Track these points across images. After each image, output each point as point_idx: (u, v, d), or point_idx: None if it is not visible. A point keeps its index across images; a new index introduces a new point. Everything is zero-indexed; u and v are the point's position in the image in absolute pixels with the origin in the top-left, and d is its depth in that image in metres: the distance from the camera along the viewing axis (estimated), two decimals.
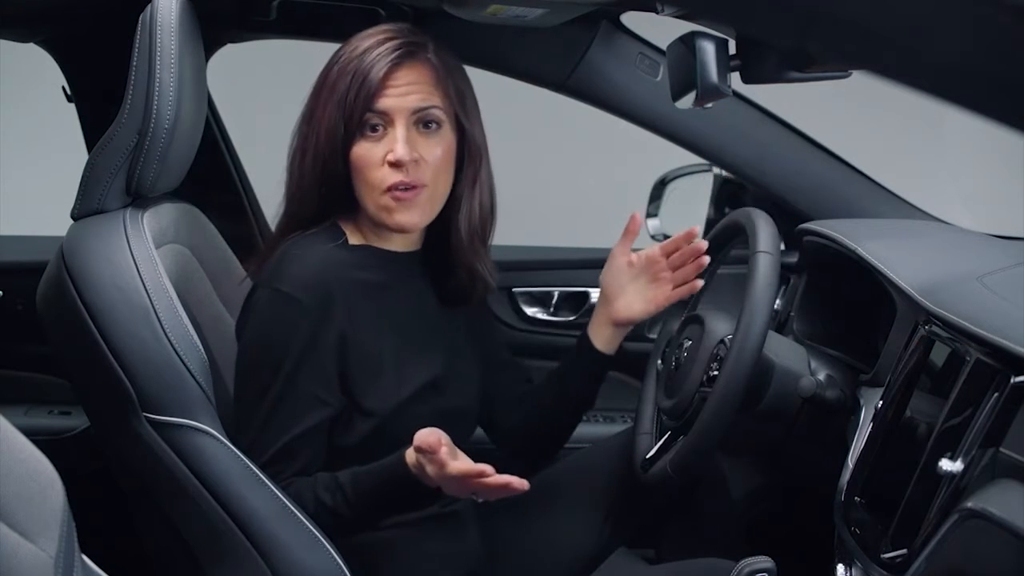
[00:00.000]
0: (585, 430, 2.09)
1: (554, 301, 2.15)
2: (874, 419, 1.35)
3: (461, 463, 1.28)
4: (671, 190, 2.04)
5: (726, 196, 2.02)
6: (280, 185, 1.49)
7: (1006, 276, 1.41)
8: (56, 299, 1.41)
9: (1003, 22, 0.50)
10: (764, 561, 1.35)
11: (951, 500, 1.14)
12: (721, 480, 1.69)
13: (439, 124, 1.44)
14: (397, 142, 1.41)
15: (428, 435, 1.28)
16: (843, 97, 2.31)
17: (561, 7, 1.61)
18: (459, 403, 1.53)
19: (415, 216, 1.44)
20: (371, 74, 1.40)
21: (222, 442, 1.38)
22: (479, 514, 1.60)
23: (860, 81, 1.01)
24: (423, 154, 1.42)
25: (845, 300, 1.65)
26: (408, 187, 1.42)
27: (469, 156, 1.49)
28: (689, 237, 1.55)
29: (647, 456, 1.53)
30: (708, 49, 1.40)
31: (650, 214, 2.04)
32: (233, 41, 1.94)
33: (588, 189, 3.18)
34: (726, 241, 1.59)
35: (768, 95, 1.74)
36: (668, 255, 1.57)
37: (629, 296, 1.59)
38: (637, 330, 1.64)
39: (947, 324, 1.26)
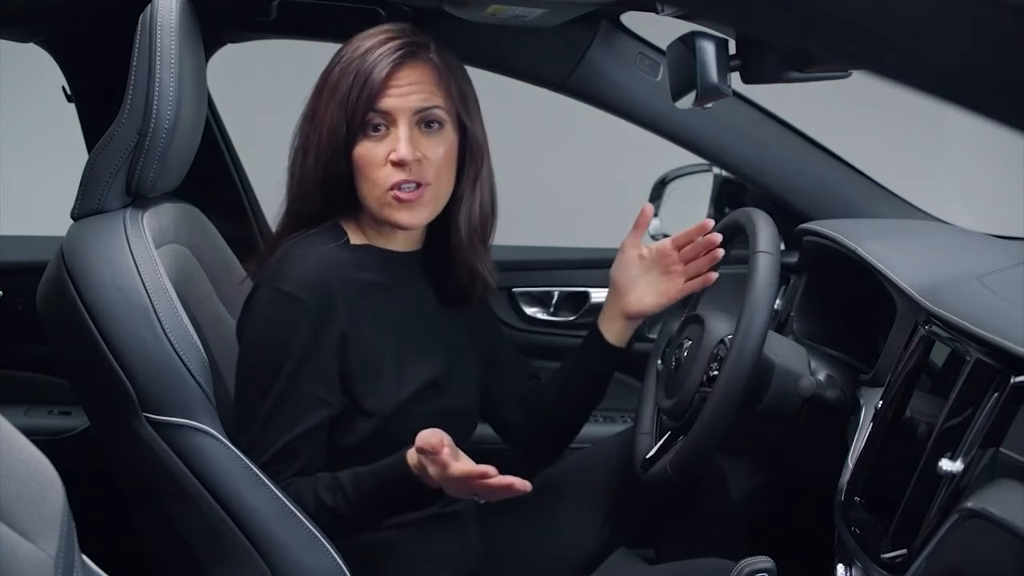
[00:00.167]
0: (585, 430, 2.09)
1: (554, 301, 2.15)
2: (874, 419, 1.35)
3: (463, 464, 1.28)
4: (671, 190, 2.04)
5: (726, 196, 2.02)
6: (280, 185, 1.49)
7: (1006, 276, 1.41)
8: (56, 299, 1.41)
9: (1003, 22, 0.50)
10: (764, 561, 1.35)
11: (951, 500, 1.14)
12: (721, 480, 1.69)
13: (441, 124, 1.44)
14: (400, 141, 1.41)
15: (430, 436, 1.28)
16: (843, 97, 2.31)
17: (561, 7, 1.61)
18: (459, 403, 1.53)
19: (418, 215, 1.44)
20: (373, 74, 1.40)
21: (222, 442, 1.38)
22: (479, 514, 1.60)
23: (860, 81, 1.01)
24: (426, 153, 1.42)
25: (845, 300, 1.65)
26: (411, 186, 1.42)
27: (471, 155, 1.49)
28: (702, 230, 1.54)
29: (647, 456, 1.53)
30: (708, 49, 1.40)
31: None
32: (233, 41, 1.94)
33: (588, 189, 3.18)
34: (726, 241, 1.59)
35: (768, 95, 1.74)
36: (680, 248, 1.56)
37: (641, 289, 1.58)
38: (637, 330, 1.64)
39: (947, 324, 1.26)
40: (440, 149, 1.44)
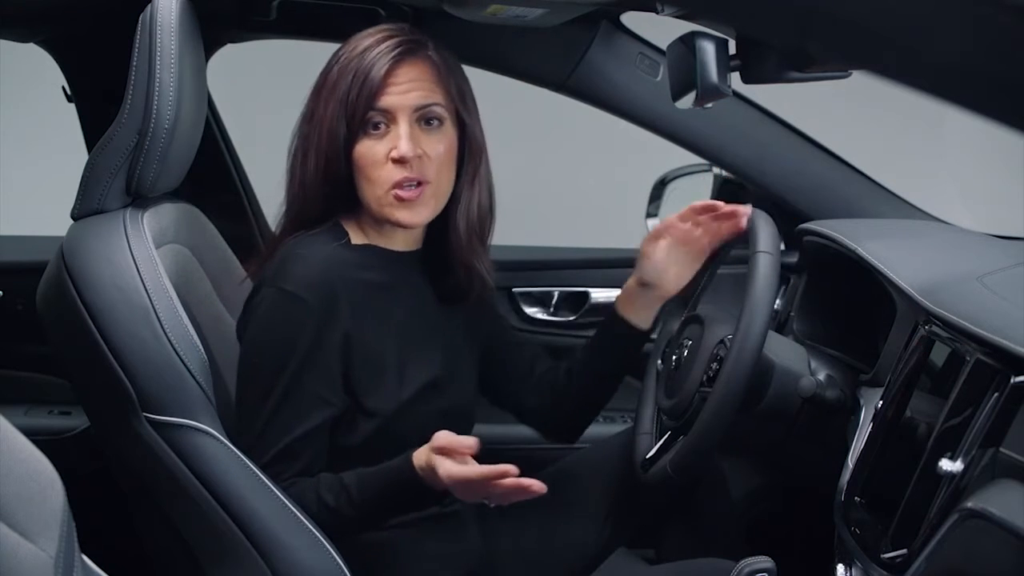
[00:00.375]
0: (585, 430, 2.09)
1: (554, 301, 2.15)
2: (874, 419, 1.35)
3: (485, 467, 1.29)
4: (671, 190, 2.04)
5: (726, 196, 2.02)
6: (280, 185, 1.49)
7: (1006, 276, 1.41)
8: (56, 299, 1.42)
9: (1003, 22, 0.50)
10: (764, 561, 1.35)
11: (951, 500, 1.14)
12: (721, 480, 1.69)
13: (441, 121, 1.44)
14: (401, 139, 1.41)
15: (449, 436, 1.29)
16: (843, 97, 2.31)
17: (561, 7, 1.61)
18: (458, 401, 1.53)
19: (419, 214, 1.44)
20: (372, 72, 1.40)
21: (222, 442, 1.38)
22: (479, 514, 1.60)
23: (860, 81, 1.01)
24: (427, 150, 1.42)
25: (845, 300, 1.65)
26: (412, 184, 1.42)
27: (470, 153, 1.49)
28: (714, 207, 1.55)
29: (647, 456, 1.53)
30: (708, 49, 1.40)
31: (650, 214, 2.04)
32: (233, 41, 1.94)
33: (588, 189, 3.18)
34: (726, 241, 1.59)
35: (768, 95, 1.74)
36: (688, 220, 1.57)
37: (672, 271, 1.58)
38: None
39: (947, 324, 1.26)
40: (440, 146, 1.44)
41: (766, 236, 1.44)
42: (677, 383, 1.51)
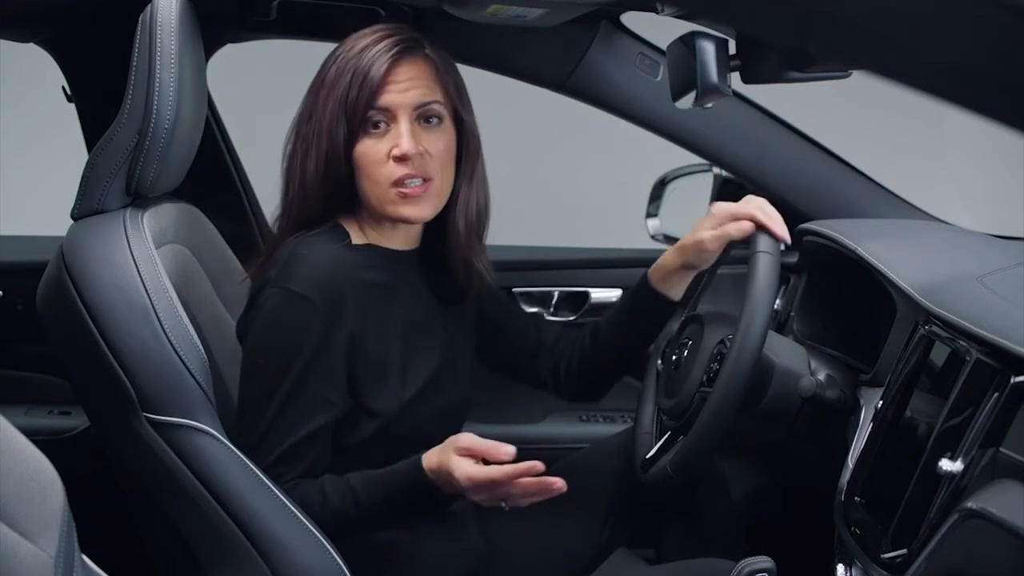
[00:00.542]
0: (585, 430, 2.10)
1: (554, 301, 2.14)
2: (874, 419, 1.35)
3: (509, 466, 1.31)
4: (671, 190, 2.04)
5: (726, 196, 2.01)
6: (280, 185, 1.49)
7: (1006, 276, 1.41)
8: (56, 299, 1.41)
9: (1003, 22, 0.50)
10: (764, 561, 1.35)
11: (951, 500, 1.14)
12: (721, 480, 1.69)
13: (440, 119, 1.45)
14: (402, 136, 1.41)
15: (475, 438, 1.32)
16: (843, 97, 2.31)
17: (561, 7, 1.61)
18: (455, 398, 1.54)
19: (423, 209, 1.44)
20: (372, 71, 1.40)
21: (222, 442, 1.38)
22: (479, 514, 1.60)
23: (860, 81, 1.01)
24: (428, 148, 1.43)
25: (845, 300, 1.65)
26: (416, 181, 1.42)
27: (468, 151, 1.49)
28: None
29: (647, 456, 1.53)
30: (708, 49, 1.39)
31: (650, 214, 2.04)
32: (233, 41, 1.94)
33: (588, 189, 3.18)
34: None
35: (768, 95, 1.74)
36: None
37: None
38: None
39: (947, 324, 1.26)
40: (440, 144, 1.44)
41: (766, 236, 1.44)
42: (677, 383, 1.51)
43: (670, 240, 1.71)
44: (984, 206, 2.85)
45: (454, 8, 1.61)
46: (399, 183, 1.42)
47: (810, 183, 1.92)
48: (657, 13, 1.53)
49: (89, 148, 1.86)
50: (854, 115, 2.92)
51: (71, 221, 1.48)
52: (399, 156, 1.41)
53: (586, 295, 2.13)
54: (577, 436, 1.97)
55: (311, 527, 1.38)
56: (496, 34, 1.80)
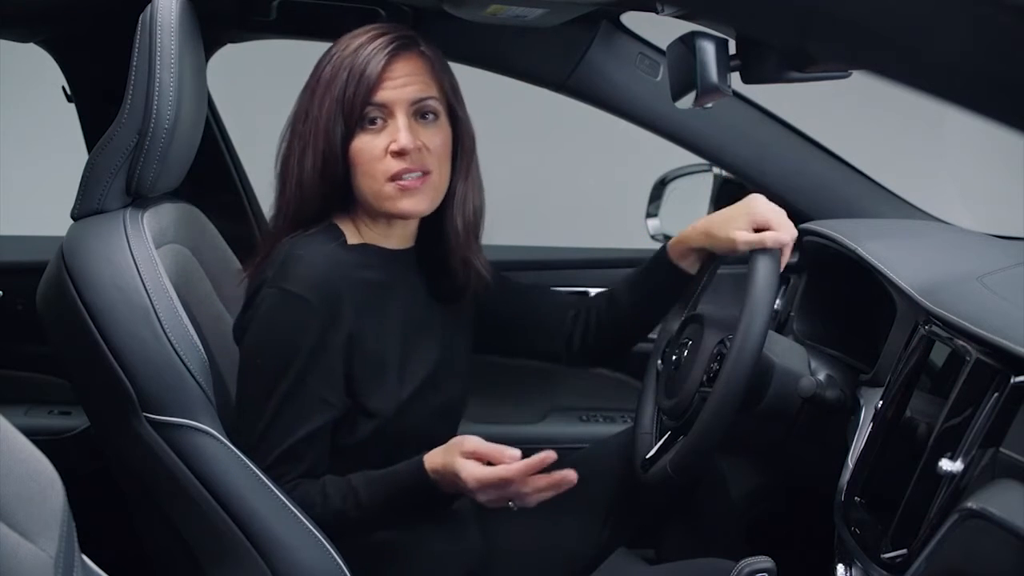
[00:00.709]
0: (585, 430, 2.10)
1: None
2: (874, 419, 1.35)
3: (520, 463, 1.32)
4: (671, 190, 2.04)
5: (726, 196, 2.02)
6: None
7: (1006, 276, 1.41)
8: (56, 299, 1.41)
9: (1003, 22, 0.50)
10: (764, 561, 1.35)
11: (951, 500, 1.14)
12: (721, 480, 1.69)
13: (436, 115, 1.45)
14: (400, 131, 1.41)
15: (481, 441, 1.33)
16: (843, 97, 2.31)
17: (561, 7, 1.61)
18: (452, 395, 1.54)
19: (421, 202, 1.44)
20: (368, 68, 1.41)
21: (222, 442, 1.38)
22: (479, 514, 1.60)
23: (860, 81, 1.01)
24: (425, 143, 1.43)
25: (845, 300, 1.65)
26: (415, 175, 1.42)
27: (463, 148, 1.49)
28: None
29: (647, 456, 1.53)
30: (708, 49, 1.39)
31: (650, 214, 2.04)
32: (233, 41, 1.94)
33: (588, 189, 3.18)
34: None
35: (768, 95, 1.74)
36: None
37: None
38: None
39: (947, 324, 1.26)
40: (437, 139, 1.44)
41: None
42: (677, 383, 1.51)
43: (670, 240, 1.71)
44: (984, 206, 2.85)
45: (454, 8, 1.61)
46: (397, 177, 1.42)
47: (810, 183, 1.92)
48: (657, 13, 1.53)
49: (89, 148, 1.85)
50: (854, 115, 2.92)
51: (71, 221, 1.48)
52: (397, 151, 1.41)
53: (586, 295, 2.13)
54: (577, 436, 1.97)
55: (311, 527, 1.38)
56: (496, 34, 1.80)
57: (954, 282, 1.37)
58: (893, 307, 1.43)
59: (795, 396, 1.45)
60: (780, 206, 1.50)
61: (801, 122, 1.95)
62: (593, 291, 2.11)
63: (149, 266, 1.39)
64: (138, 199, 1.50)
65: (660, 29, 1.67)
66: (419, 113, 1.44)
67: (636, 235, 2.08)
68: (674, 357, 1.54)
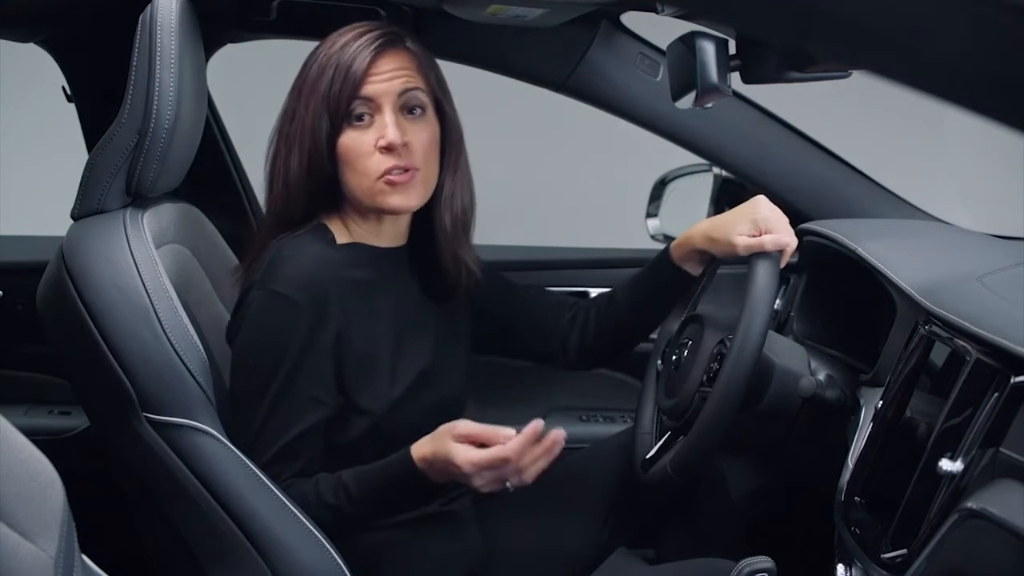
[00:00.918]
0: (585, 430, 2.09)
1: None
2: (874, 419, 1.35)
3: (515, 440, 1.31)
4: (671, 190, 2.04)
5: (726, 196, 2.02)
6: None
7: (1006, 276, 1.41)
8: (56, 299, 1.42)
9: (1003, 22, 0.50)
10: (764, 561, 1.35)
11: (951, 500, 1.14)
12: (721, 480, 1.69)
13: (423, 109, 1.45)
14: (387, 126, 1.41)
15: (473, 424, 1.32)
16: (843, 97, 2.31)
17: (561, 7, 1.61)
18: (447, 394, 1.54)
19: (410, 198, 1.44)
20: (355, 64, 1.41)
21: (222, 442, 1.38)
22: (479, 514, 1.60)
23: (860, 81, 1.01)
24: (412, 138, 1.43)
25: (845, 300, 1.65)
26: (403, 170, 1.42)
27: (451, 143, 1.49)
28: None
29: (647, 456, 1.53)
30: (708, 49, 1.39)
31: (650, 214, 2.04)
32: (233, 41, 1.94)
33: (588, 189, 3.18)
34: None
35: (768, 95, 1.74)
36: None
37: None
38: None
39: (947, 324, 1.26)
40: (424, 134, 1.44)
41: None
42: (677, 383, 1.51)
43: (670, 240, 1.71)
44: (984, 206, 2.85)
45: (454, 8, 1.61)
46: (386, 173, 1.42)
47: (810, 183, 1.92)
48: (657, 13, 1.53)
49: (89, 148, 1.85)
50: (854, 115, 2.92)
51: (71, 221, 1.48)
52: (385, 146, 1.41)
53: (586, 295, 2.13)
54: (577, 436, 1.97)
55: (311, 527, 1.38)
56: (496, 34, 1.80)
57: (954, 282, 1.37)
58: (893, 307, 1.43)
59: (795, 396, 1.45)
60: (780, 206, 1.50)
61: (801, 122, 1.95)
62: (593, 291, 2.11)
63: (149, 266, 1.39)
64: (138, 199, 1.50)
65: (660, 29, 1.67)
66: (406, 107, 1.44)
67: (636, 235, 2.08)
68: (674, 357, 1.54)
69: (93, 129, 1.90)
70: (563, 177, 3.19)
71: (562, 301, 1.70)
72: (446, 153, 1.49)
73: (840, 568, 1.34)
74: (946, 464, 1.15)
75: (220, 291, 1.60)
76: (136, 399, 1.36)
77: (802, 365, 1.49)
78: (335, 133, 1.42)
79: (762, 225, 1.45)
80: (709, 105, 1.43)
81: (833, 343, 1.62)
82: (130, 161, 1.44)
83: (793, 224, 1.73)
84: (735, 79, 1.44)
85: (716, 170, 2.01)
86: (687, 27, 1.45)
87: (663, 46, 1.57)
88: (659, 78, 1.85)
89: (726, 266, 1.58)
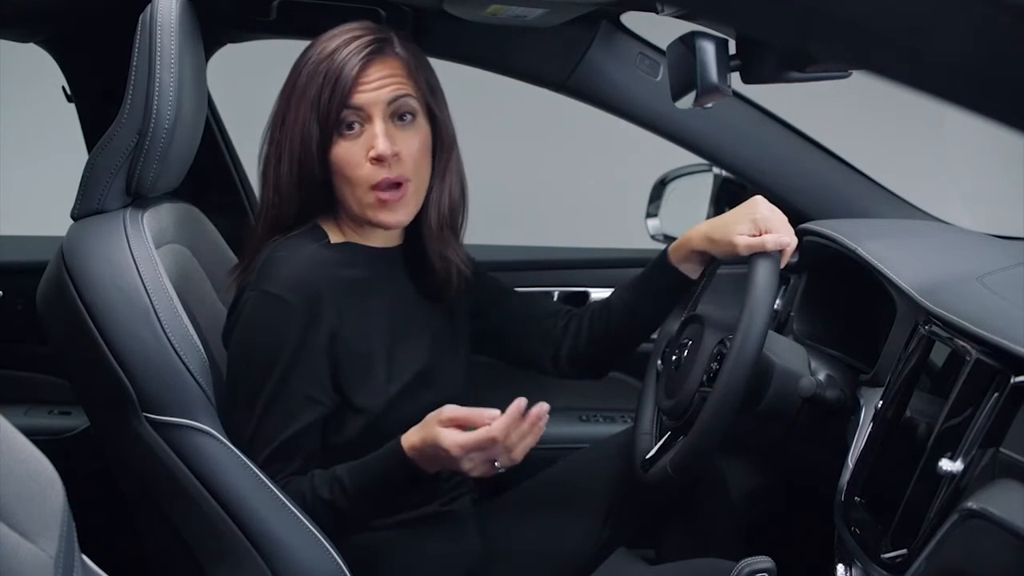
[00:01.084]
0: (585, 430, 2.10)
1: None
2: (874, 419, 1.35)
3: (503, 416, 1.31)
4: (671, 190, 2.04)
5: (726, 196, 2.02)
6: None
7: (1006, 276, 1.41)
8: (56, 299, 1.42)
9: (1003, 22, 0.50)
10: (764, 561, 1.35)
11: (951, 500, 1.14)
12: (721, 480, 1.69)
13: (414, 115, 1.45)
14: (377, 137, 1.41)
15: (458, 408, 1.33)
16: (843, 97, 2.31)
17: (561, 7, 1.61)
18: (447, 394, 1.53)
19: (401, 214, 1.45)
20: (344, 72, 1.40)
21: (222, 442, 1.38)
22: (479, 514, 1.60)
23: (860, 81, 1.01)
24: (402, 149, 1.43)
25: (845, 300, 1.65)
26: (394, 185, 1.42)
27: (442, 146, 1.49)
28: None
29: (647, 456, 1.53)
30: (708, 49, 1.40)
31: (650, 214, 2.04)
32: (233, 41, 1.94)
33: (588, 189, 3.18)
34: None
35: (768, 95, 1.74)
36: None
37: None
38: None
39: (947, 324, 1.26)
40: (415, 142, 1.44)
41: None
42: (677, 383, 1.51)
43: (670, 240, 1.71)
44: (984, 206, 2.85)
45: (454, 8, 1.61)
46: (377, 187, 1.42)
47: (810, 183, 1.92)
48: (657, 13, 1.53)
49: (89, 148, 1.86)
50: (854, 115, 2.92)
51: (71, 221, 1.48)
52: (376, 157, 1.41)
53: (586, 295, 2.13)
54: (577, 436, 1.97)
55: (311, 527, 1.38)
56: (496, 34, 1.80)
57: (954, 282, 1.37)
58: (893, 307, 1.43)
59: (795, 396, 1.45)
60: (780, 206, 1.50)
61: (801, 122, 1.95)
62: (594, 291, 2.12)
63: (149, 266, 1.40)
64: (138, 199, 1.50)
65: (660, 29, 1.67)
66: (396, 114, 1.43)
67: (636, 235, 2.08)
68: (674, 357, 1.54)
69: (93, 129, 1.90)
70: (563, 177, 3.19)
71: (556, 309, 1.69)
72: (437, 156, 1.49)
73: (840, 568, 1.34)
74: (946, 464, 1.15)
75: (220, 291, 1.60)
76: (136, 399, 1.36)
77: (802, 365, 1.49)
78: (325, 142, 1.42)
79: (762, 225, 1.45)
80: (709, 105, 1.43)
81: (833, 343, 1.62)
82: (130, 161, 1.44)
83: (793, 224, 1.73)
84: (735, 79, 1.44)
85: (716, 170, 2.01)
86: (687, 27, 1.45)
87: (663, 46, 1.57)
88: (659, 78, 1.85)
89: (726, 266, 1.58)
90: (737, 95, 1.80)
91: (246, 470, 1.37)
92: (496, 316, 1.65)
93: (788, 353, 1.50)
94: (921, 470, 1.21)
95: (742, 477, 1.87)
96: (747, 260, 1.44)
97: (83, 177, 1.47)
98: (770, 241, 1.43)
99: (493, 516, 1.62)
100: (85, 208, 1.47)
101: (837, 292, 1.66)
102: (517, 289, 1.71)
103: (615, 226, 2.34)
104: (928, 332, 1.30)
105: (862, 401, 1.42)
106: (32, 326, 1.52)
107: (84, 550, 0.95)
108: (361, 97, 1.41)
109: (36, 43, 1.87)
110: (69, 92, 1.90)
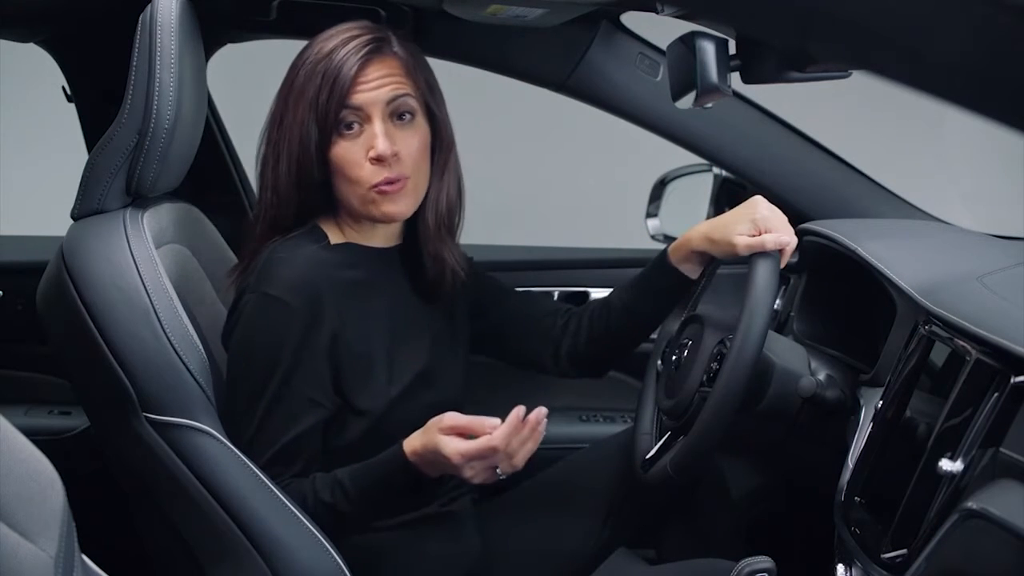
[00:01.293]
0: (585, 430, 2.10)
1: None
2: (874, 419, 1.35)
3: (504, 426, 1.31)
4: (671, 190, 2.04)
5: (726, 196, 2.02)
6: None
7: (1006, 276, 1.41)
8: (56, 299, 1.42)
9: (1003, 22, 0.50)
10: (764, 561, 1.35)
11: (951, 500, 1.14)
12: (721, 480, 1.69)
13: (413, 114, 1.44)
14: (377, 136, 1.41)
15: (459, 416, 1.32)
16: (843, 97, 2.31)
17: (561, 7, 1.61)
18: (447, 395, 1.54)
19: (402, 205, 1.45)
20: (342, 72, 1.40)
21: (222, 442, 1.38)
22: (479, 514, 1.60)
23: (860, 81, 1.01)
24: (401, 148, 1.42)
25: (845, 300, 1.65)
26: (393, 181, 1.42)
27: (440, 146, 1.49)
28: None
29: (647, 456, 1.53)
30: (708, 49, 1.40)
31: (650, 214, 2.04)
32: (233, 41, 1.94)
33: (588, 189, 3.18)
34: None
35: (768, 95, 1.74)
36: None
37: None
38: None
39: (947, 324, 1.26)
40: (414, 141, 1.44)
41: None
42: (677, 383, 1.51)
43: (670, 240, 1.71)
44: (984, 206, 2.85)
45: (454, 8, 1.61)
46: (377, 186, 1.42)
47: (810, 183, 1.92)
48: (657, 13, 1.53)
49: (89, 148, 1.86)
50: (854, 115, 2.92)
51: (71, 221, 1.48)
52: (375, 157, 1.41)
53: (586, 295, 2.13)
54: (577, 436, 1.97)
55: (311, 527, 1.38)
56: (496, 34, 1.80)
57: (954, 282, 1.37)
58: (893, 307, 1.43)
59: (795, 396, 1.45)
60: (780, 206, 1.50)
61: (801, 122, 1.95)
62: (594, 291, 2.12)
63: (149, 266, 1.40)
64: (138, 199, 1.50)
65: (660, 29, 1.67)
66: (395, 114, 1.43)
67: (636, 235, 2.08)
68: (674, 357, 1.54)
69: (93, 129, 1.90)
70: (563, 177, 3.19)
71: (555, 308, 1.69)
72: (435, 156, 1.49)
73: (840, 568, 1.34)
74: (946, 464, 1.15)
75: (220, 291, 1.60)
76: (136, 399, 1.36)
77: (802, 365, 1.49)
78: (324, 142, 1.42)
79: (761, 225, 1.45)
80: (709, 105, 1.43)
81: (833, 343, 1.62)
82: (130, 161, 1.44)
83: (793, 224, 1.74)
84: (735, 79, 1.44)
85: (716, 170, 2.01)
86: (687, 27, 1.45)
87: (663, 46, 1.57)
88: (659, 78, 1.85)
89: (726, 266, 1.58)
90: (737, 95, 1.80)
91: (246, 470, 1.37)
92: (496, 316, 1.65)
93: (788, 353, 1.50)
94: (921, 470, 1.21)
95: (742, 477, 1.87)
96: (747, 260, 1.44)
97: (83, 177, 1.47)
98: (770, 241, 1.43)
99: (493, 516, 1.62)
100: (85, 208, 1.47)
101: (837, 292, 1.66)
102: (516, 289, 1.71)
103: (615, 226, 2.34)
104: (928, 332, 1.30)
105: (862, 401, 1.42)
106: (32, 326, 1.52)
107: (84, 550, 0.95)
108: (360, 97, 1.41)
109: (36, 43, 1.87)
110: (69, 92, 1.90)
